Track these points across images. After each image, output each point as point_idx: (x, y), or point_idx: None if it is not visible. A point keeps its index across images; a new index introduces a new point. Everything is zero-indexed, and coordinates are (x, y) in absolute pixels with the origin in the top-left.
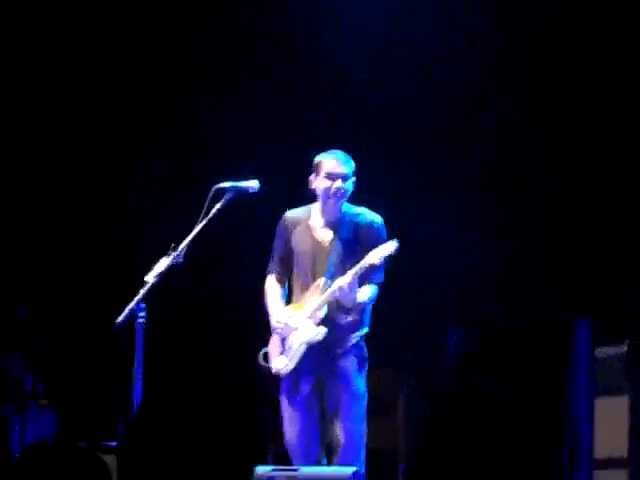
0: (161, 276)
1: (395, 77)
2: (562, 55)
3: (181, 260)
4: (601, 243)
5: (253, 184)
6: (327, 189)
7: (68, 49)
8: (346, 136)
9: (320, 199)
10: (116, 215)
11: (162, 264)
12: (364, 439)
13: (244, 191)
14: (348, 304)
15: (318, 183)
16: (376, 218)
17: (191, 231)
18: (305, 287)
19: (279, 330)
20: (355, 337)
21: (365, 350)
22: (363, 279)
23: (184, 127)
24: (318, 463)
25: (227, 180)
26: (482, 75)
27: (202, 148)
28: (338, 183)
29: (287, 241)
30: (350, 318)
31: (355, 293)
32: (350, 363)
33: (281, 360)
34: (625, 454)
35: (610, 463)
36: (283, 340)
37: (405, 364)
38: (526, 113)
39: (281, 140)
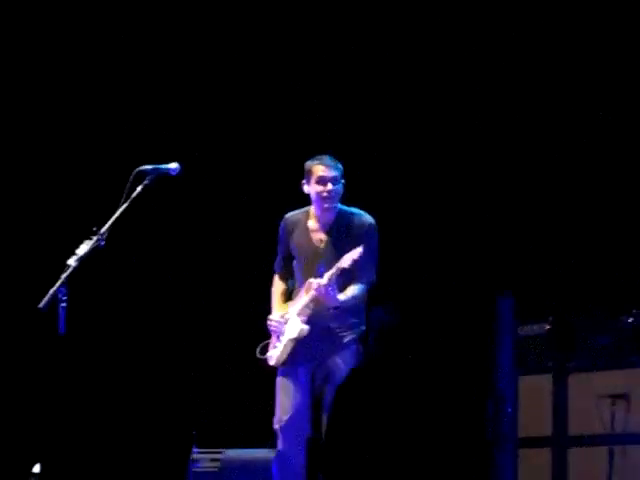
0: (83, 259)
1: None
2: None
3: (103, 243)
4: (526, 220)
5: (174, 166)
6: (319, 193)
7: None
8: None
9: (314, 203)
10: (37, 199)
11: (84, 247)
12: None
13: (165, 173)
14: (330, 304)
15: (310, 188)
16: (367, 219)
17: (112, 215)
18: (302, 286)
19: (271, 327)
20: (351, 335)
21: (360, 348)
22: (350, 278)
23: (108, 111)
24: (307, 446)
25: (148, 163)
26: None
27: (125, 132)
28: (329, 186)
29: (287, 242)
30: (342, 316)
31: (333, 293)
32: (344, 360)
33: (273, 353)
34: (549, 432)
35: (534, 442)
36: (277, 334)
37: None
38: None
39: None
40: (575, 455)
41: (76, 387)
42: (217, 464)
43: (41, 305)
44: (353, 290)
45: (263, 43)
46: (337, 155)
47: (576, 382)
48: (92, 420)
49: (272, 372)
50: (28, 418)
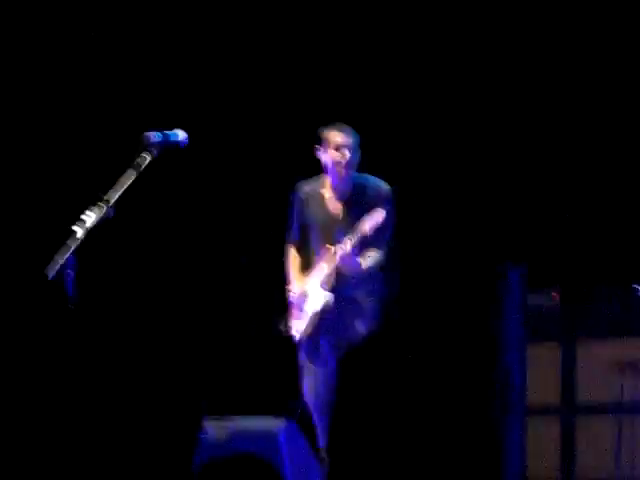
0: (91, 229)
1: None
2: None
3: (112, 213)
4: (536, 191)
5: (183, 136)
6: (335, 160)
7: None
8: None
9: (329, 171)
10: (43, 162)
11: (91, 215)
12: None
13: (173, 141)
14: (351, 271)
15: (326, 156)
16: (383, 185)
17: (118, 182)
18: (319, 256)
19: (293, 298)
20: (372, 301)
21: (379, 312)
22: (368, 244)
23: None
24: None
25: (155, 130)
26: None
27: (131, 97)
28: (346, 154)
29: (302, 212)
30: (364, 284)
31: (355, 260)
32: (365, 325)
33: (298, 324)
34: (557, 400)
35: (542, 410)
36: (300, 306)
37: None
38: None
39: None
40: (583, 424)
41: (84, 361)
42: (226, 432)
43: (49, 274)
44: (374, 255)
45: (273, 17)
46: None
47: (585, 350)
48: (100, 392)
49: (284, 342)
50: (35, 387)
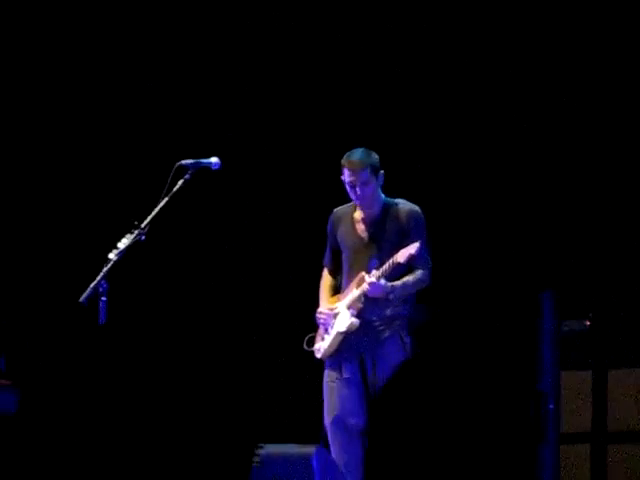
0: (124, 254)
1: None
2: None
3: (144, 237)
4: (568, 217)
5: (214, 160)
6: (350, 194)
7: None
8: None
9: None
10: (79, 192)
11: (125, 241)
12: None
13: (206, 167)
14: (383, 297)
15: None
16: (413, 207)
17: (153, 209)
18: (350, 279)
19: (320, 320)
20: (391, 328)
21: (407, 339)
22: (406, 269)
23: (147, 102)
24: (362, 444)
25: (189, 157)
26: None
27: (165, 125)
28: (357, 191)
29: (334, 236)
30: (379, 310)
31: (384, 290)
32: (388, 352)
33: (321, 345)
34: (589, 428)
35: (574, 437)
36: (326, 327)
37: None
38: None
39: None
40: (614, 451)
41: (115, 380)
42: (256, 459)
43: (82, 299)
44: (414, 276)
45: (303, 39)
46: (379, 146)
47: (616, 378)
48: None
49: (316, 366)
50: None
